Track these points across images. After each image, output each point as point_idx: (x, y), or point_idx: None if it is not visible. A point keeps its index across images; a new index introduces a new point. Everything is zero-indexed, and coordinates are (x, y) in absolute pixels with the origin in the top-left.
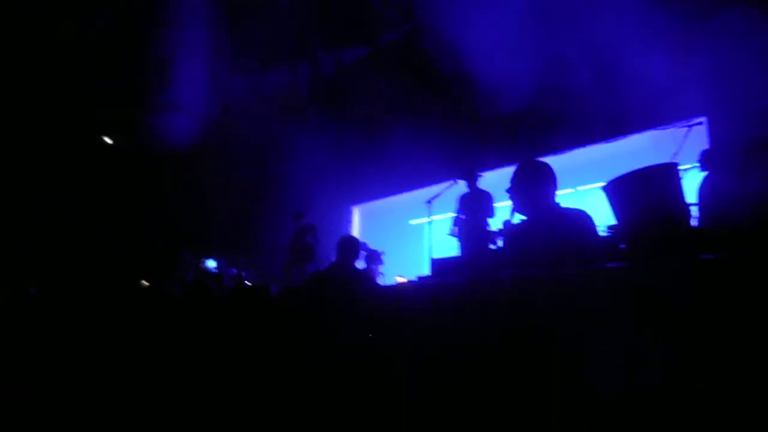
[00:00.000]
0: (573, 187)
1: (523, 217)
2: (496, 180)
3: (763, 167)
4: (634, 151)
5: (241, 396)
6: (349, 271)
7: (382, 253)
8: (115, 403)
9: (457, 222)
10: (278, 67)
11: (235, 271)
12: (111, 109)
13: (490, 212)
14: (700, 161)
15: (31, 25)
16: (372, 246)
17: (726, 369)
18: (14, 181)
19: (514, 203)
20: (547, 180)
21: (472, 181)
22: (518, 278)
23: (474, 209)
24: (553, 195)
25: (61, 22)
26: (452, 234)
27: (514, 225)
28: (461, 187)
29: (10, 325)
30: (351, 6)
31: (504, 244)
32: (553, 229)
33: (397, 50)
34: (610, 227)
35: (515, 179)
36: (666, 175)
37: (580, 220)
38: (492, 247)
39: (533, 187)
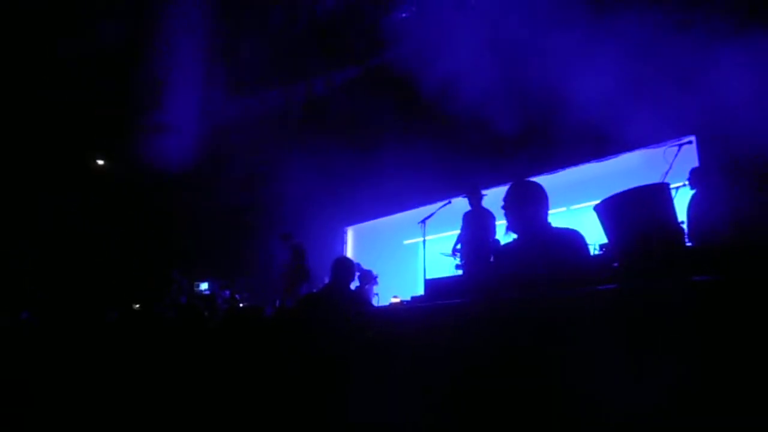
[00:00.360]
0: (565, 206)
1: (515, 236)
2: (489, 199)
3: (748, 188)
4: (626, 169)
5: (234, 420)
6: (343, 293)
7: (377, 276)
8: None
9: (460, 239)
10: (271, 89)
11: (228, 293)
12: (104, 130)
13: (492, 231)
14: (689, 179)
15: (28, 41)
16: (365, 266)
17: (719, 392)
18: (10, 199)
19: (507, 222)
20: (539, 200)
21: (475, 199)
22: (513, 300)
23: (476, 227)
24: (545, 215)
25: (58, 38)
26: (455, 251)
27: (505, 244)
28: (463, 205)
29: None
30: (342, 27)
31: (493, 263)
32: (544, 249)
33: (389, 71)
34: (602, 246)
35: (507, 198)
36: (657, 195)
37: (571, 239)
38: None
39: (525, 207)
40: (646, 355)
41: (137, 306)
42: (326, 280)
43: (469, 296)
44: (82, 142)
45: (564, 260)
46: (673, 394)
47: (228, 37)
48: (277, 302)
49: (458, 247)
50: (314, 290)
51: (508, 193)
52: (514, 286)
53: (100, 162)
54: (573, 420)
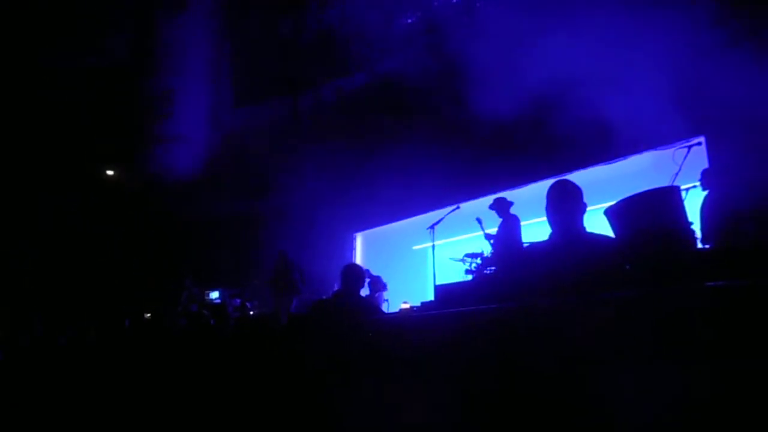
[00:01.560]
0: None
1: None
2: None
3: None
4: (635, 171)
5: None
6: (354, 300)
7: (386, 283)
8: None
9: (494, 246)
10: (279, 97)
11: (238, 301)
12: (113, 140)
13: (517, 232)
14: (701, 180)
15: (40, 51)
16: (375, 272)
17: (732, 402)
18: (22, 209)
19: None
20: (573, 200)
21: (503, 210)
22: (523, 307)
23: (504, 233)
24: (579, 217)
25: (67, 51)
26: (487, 262)
27: (534, 243)
28: (472, 211)
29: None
30: (349, 35)
31: (520, 262)
32: (575, 253)
33: (396, 77)
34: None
35: (546, 197)
36: (668, 198)
37: (605, 246)
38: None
39: (559, 206)
40: (659, 363)
41: (148, 315)
42: (336, 287)
43: (489, 301)
44: (93, 153)
45: (594, 267)
46: (686, 403)
47: (237, 47)
48: (292, 308)
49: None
50: (324, 297)
51: (548, 192)
52: (540, 290)
53: (111, 172)
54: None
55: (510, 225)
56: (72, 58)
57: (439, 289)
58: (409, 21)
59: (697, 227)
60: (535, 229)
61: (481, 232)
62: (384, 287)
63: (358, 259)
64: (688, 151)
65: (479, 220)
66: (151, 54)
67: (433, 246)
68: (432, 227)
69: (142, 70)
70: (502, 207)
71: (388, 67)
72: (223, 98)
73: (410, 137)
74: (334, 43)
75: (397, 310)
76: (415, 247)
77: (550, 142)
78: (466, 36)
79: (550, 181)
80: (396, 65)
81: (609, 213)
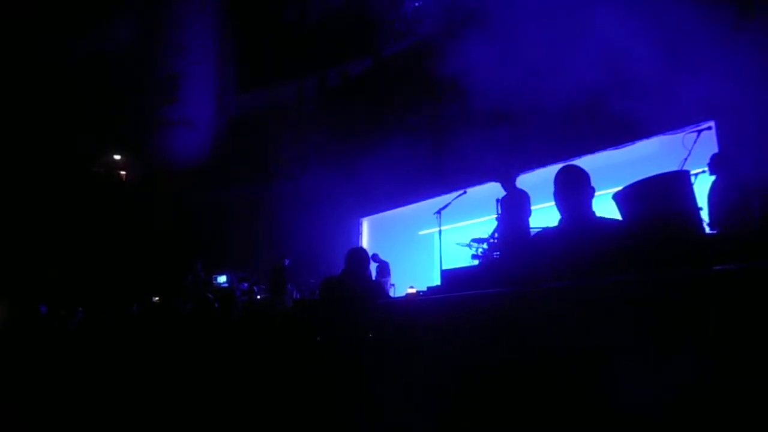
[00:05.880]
0: None
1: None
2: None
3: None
4: (644, 156)
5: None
6: (361, 280)
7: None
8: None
9: (497, 228)
10: (285, 82)
11: (246, 285)
12: (120, 125)
13: (528, 211)
14: (709, 165)
15: (41, 42)
16: (382, 257)
17: (739, 386)
18: (23, 199)
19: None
20: (582, 185)
21: (509, 182)
22: (529, 291)
23: (512, 210)
24: (588, 202)
25: (74, 37)
26: (491, 240)
27: (545, 229)
28: (480, 195)
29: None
30: (356, 19)
31: (531, 248)
32: (586, 238)
33: (402, 61)
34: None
35: (554, 183)
36: (677, 183)
37: (614, 230)
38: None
39: (568, 192)
40: (666, 347)
41: (156, 299)
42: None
43: (496, 286)
44: (99, 138)
45: (603, 251)
46: (695, 387)
47: (242, 31)
48: (296, 294)
49: (495, 236)
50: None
51: (555, 177)
52: (548, 274)
53: (117, 157)
54: (587, 413)
55: (515, 201)
56: (76, 43)
57: (446, 274)
58: (417, 4)
59: (705, 213)
60: (543, 215)
61: (495, 215)
62: (388, 273)
63: (365, 244)
64: (698, 136)
65: (499, 201)
66: (156, 39)
67: (440, 231)
68: (439, 212)
69: (147, 55)
70: (506, 178)
71: (394, 51)
72: (228, 84)
73: (417, 122)
74: (340, 27)
75: (403, 295)
76: (422, 232)
77: (558, 126)
78: (472, 20)
79: (557, 166)
80: (402, 49)
81: (617, 197)
